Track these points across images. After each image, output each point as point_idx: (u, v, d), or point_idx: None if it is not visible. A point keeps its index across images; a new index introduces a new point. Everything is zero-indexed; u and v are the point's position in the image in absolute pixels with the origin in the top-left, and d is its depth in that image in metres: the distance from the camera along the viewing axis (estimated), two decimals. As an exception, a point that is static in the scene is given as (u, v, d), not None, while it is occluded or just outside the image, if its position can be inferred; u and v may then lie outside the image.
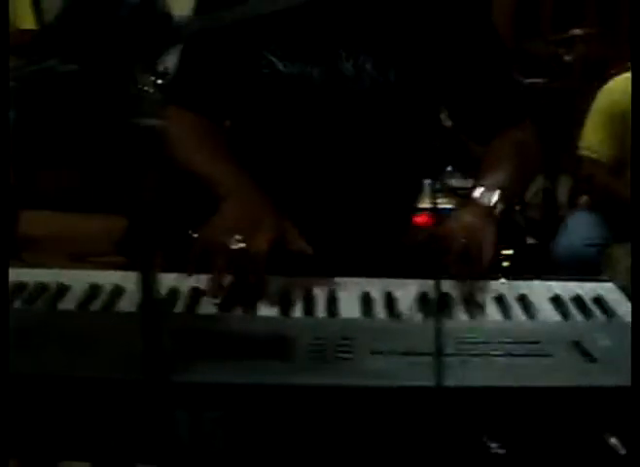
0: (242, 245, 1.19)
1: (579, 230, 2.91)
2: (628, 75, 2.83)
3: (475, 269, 1.26)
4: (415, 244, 1.38)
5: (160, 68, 3.97)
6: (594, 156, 2.88)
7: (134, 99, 0.75)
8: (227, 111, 1.53)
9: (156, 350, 0.81)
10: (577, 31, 3.65)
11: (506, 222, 1.40)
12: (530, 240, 3.26)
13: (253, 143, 1.52)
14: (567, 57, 3.60)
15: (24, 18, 3.54)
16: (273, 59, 1.41)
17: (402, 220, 1.60)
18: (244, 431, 0.93)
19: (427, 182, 2.83)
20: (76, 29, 0.67)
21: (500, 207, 1.36)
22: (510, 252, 3.02)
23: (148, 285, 0.79)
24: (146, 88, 2.76)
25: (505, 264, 2.97)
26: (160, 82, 3.82)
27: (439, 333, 0.87)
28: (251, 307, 1.17)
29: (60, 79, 0.71)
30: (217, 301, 1.18)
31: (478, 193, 1.38)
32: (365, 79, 1.41)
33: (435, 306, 1.16)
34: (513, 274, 2.39)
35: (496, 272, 1.36)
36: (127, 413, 0.91)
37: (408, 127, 1.49)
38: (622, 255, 2.69)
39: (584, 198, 3.13)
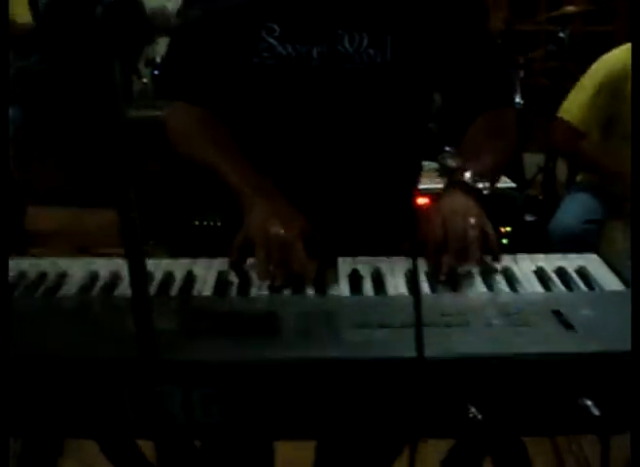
0: (281, 231, 1.27)
1: (576, 208, 2.93)
2: (627, 46, 2.82)
3: (475, 252, 1.28)
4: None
5: (158, 59, 4.03)
6: (567, 117, 2.87)
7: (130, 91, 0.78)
8: (227, 97, 1.54)
9: (147, 330, 0.85)
10: (570, 8, 3.65)
11: (494, 202, 1.42)
12: (529, 218, 3.28)
13: (255, 126, 1.54)
14: (561, 34, 3.61)
15: (20, 12, 3.56)
16: (273, 42, 1.44)
17: (402, 201, 1.63)
18: (234, 406, 0.97)
19: (426, 163, 2.85)
20: (53, 28, 0.71)
21: (486, 190, 1.39)
22: (508, 229, 3.04)
23: (138, 269, 0.83)
24: (144, 80, 2.81)
25: (503, 241, 2.99)
26: (156, 72, 3.84)
27: (419, 305, 0.90)
28: (300, 289, 1.22)
29: (40, 75, 0.74)
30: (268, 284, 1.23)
31: (465, 176, 1.39)
32: (363, 58, 1.44)
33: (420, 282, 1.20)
34: (511, 252, 2.41)
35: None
36: (123, 390, 0.96)
37: (405, 107, 1.53)
38: (618, 231, 2.72)
39: (582, 177, 3.15)
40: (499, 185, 3.05)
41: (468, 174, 1.39)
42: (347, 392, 0.97)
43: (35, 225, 4.41)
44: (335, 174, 1.50)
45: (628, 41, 2.87)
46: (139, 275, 0.83)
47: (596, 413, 0.93)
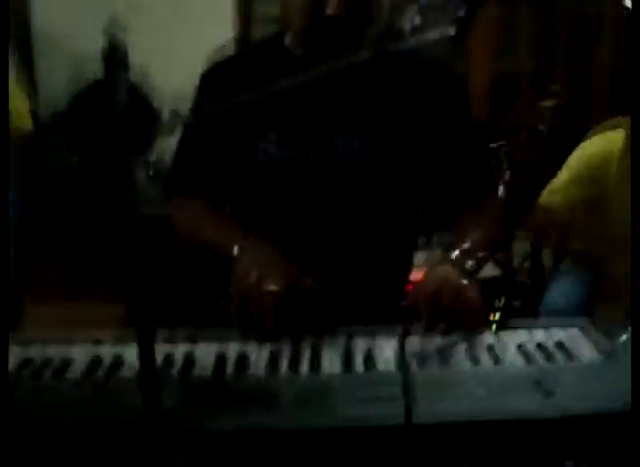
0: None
1: (562, 289, 2.99)
2: (605, 135, 2.93)
3: (467, 321, 1.37)
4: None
5: (152, 158, 4.13)
6: (545, 203, 2.96)
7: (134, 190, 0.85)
8: (227, 193, 1.67)
9: (154, 407, 0.91)
10: (548, 103, 3.82)
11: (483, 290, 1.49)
12: (516, 304, 3.34)
13: (252, 220, 1.64)
14: (540, 128, 3.77)
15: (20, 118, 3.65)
16: (269, 147, 1.56)
17: (399, 280, 1.73)
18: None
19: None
20: (75, 129, 0.79)
21: (471, 268, 1.47)
22: (497, 318, 3.09)
23: (147, 351, 0.90)
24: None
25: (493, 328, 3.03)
26: (151, 173, 3.93)
27: (407, 379, 0.98)
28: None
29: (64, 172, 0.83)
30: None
31: (454, 255, 1.47)
32: (354, 159, 1.56)
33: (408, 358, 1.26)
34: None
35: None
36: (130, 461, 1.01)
37: (395, 199, 1.64)
38: (607, 312, 2.77)
39: (567, 260, 3.22)
40: (487, 274, 3.12)
41: (456, 253, 1.47)
42: (342, 461, 1.03)
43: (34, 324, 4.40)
44: (332, 258, 1.59)
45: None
46: (148, 351, 0.90)
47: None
